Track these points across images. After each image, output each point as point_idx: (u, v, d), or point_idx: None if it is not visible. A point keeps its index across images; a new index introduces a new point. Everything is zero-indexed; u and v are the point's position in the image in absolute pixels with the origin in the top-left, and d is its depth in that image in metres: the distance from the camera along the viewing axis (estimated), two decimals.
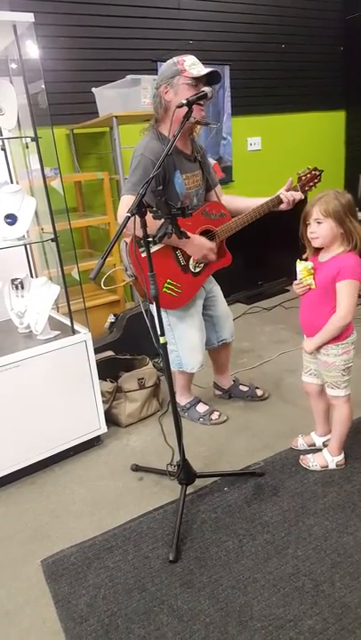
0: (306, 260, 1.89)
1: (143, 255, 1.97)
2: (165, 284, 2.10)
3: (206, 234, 2.17)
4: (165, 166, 1.99)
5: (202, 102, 1.86)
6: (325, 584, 1.54)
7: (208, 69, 1.96)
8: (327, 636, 1.38)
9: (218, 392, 2.75)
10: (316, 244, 1.80)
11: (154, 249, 2.04)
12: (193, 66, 1.96)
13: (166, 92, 1.99)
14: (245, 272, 4.06)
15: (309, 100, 4.79)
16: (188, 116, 1.71)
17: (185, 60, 1.97)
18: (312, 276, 1.83)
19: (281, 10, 4.34)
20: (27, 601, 1.61)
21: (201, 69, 1.96)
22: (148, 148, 1.99)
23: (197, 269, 2.17)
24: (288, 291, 4.36)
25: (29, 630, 1.51)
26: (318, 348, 1.89)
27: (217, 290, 2.44)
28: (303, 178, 2.14)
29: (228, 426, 2.45)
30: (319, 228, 1.75)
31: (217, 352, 2.56)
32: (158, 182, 1.88)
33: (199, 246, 2.08)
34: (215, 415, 2.44)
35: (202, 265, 2.17)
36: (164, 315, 2.22)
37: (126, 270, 2.16)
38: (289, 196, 2.11)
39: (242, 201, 2.30)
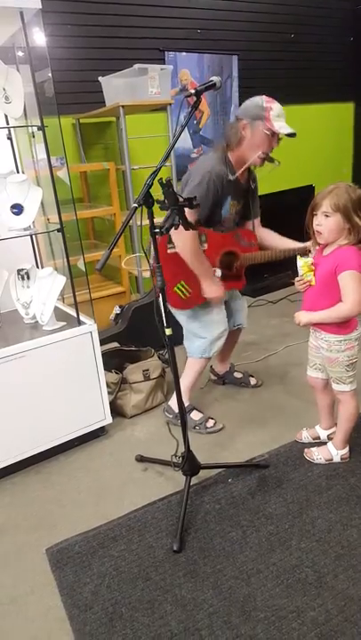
0: (307, 253, 1.87)
1: (169, 251, 2.10)
2: (178, 285, 2.16)
3: (230, 254, 2.22)
4: (223, 191, 2.08)
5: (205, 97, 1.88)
6: (329, 576, 1.54)
7: (289, 130, 2.00)
8: (330, 627, 1.39)
9: (213, 377, 2.80)
10: (320, 239, 1.77)
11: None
12: (278, 118, 2.01)
13: (244, 129, 2.05)
14: (251, 265, 4.05)
15: (318, 91, 4.74)
16: (196, 105, 1.70)
17: (272, 108, 2.00)
18: (312, 273, 1.81)
19: None
20: (32, 589, 1.62)
21: (283, 126, 2.00)
22: (215, 171, 2.04)
23: None
24: (294, 284, 4.34)
25: (35, 618, 1.52)
26: (313, 328, 1.90)
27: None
28: None
29: (232, 418, 2.45)
30: (326, 222, 1.72)
31: (228, 336, 2.54)
32: (211, 208, 2.07)
33: (211, 288, 2.13)
34: (210, 423, 2.39)
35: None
36: (189, 310, 2.27)
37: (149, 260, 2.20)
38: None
39: (273, 238, 2.36)
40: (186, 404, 2.44)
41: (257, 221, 2.39)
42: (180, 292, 2.17)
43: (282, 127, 2.01)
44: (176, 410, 2.42)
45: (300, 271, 1.83)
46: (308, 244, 2.05)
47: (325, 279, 1.77)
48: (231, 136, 2.09)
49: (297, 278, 1.87)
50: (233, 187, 2.14)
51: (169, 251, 2.12)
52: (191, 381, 2.38)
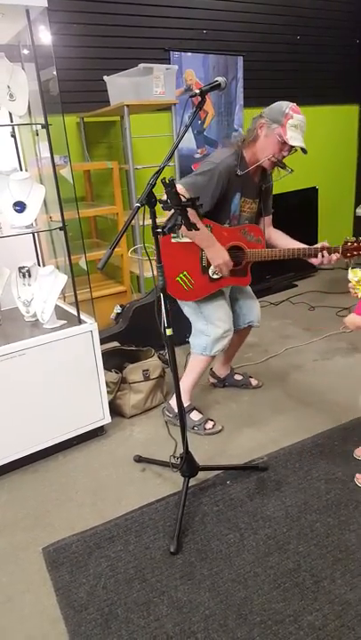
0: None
1: (173, 240, 2.15)
2: (181, 274, 2.18)
3: (236, 250, 2.21)
4: (231, 185, 2.09)
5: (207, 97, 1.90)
6: (326, 580, 1.53)
7: (298, 143, 2.01)
8: (327, 632, 1.38)
9: (213, 380, 2.78)
10: None
11: (184, 240, 2.14)
12: (293, 128, 2.01)
13: (261, 128, 2.08)
14: (253, 266, 4.04)
15: (323, 93, 4.73)
16: (200, 105, 1.70)
17: (293, 116, 2.01)
18: None
19: (297, 0, 4.28)
20: (28, 588, 1.62)
21: (295, 137, 2.01)
22: (224, 163, 2.07)
23: (215, 276, 2.21)
24: (296, 286, 4.34)
25: (30, 617, 1.52)
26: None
27: None
28: (349, 244, 2.09)
29: (232, 420, 2.44)
30: None
31: (237, 336, 2.54)
32: (214, 200, 2.07)
33: (217, 254, 2.12)
34: (209, 425, 2.37)
35: (220, 275, 2.20)
36: (194, 304, 2.27)
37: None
38: (326, 259, 2.10)
39: (282, 238, 2.35)
40: (186, 403, 2.43)
41: (267, 219, 2.38)
42: (182, 283, 2.19)
43: (293, 138, 2.01)
44: (176, 409, 2.41)
45: (351, 282, 1.82)
46: (318, 245, 2.09)
47: None
48: (250, 132, 2.12)
49: (350, 285, 1.86)
50: (243, 183, 2.14)
51: (173, 240, 2.14)
52: (192, 381, 2.37)
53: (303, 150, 2.04)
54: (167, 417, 2.46)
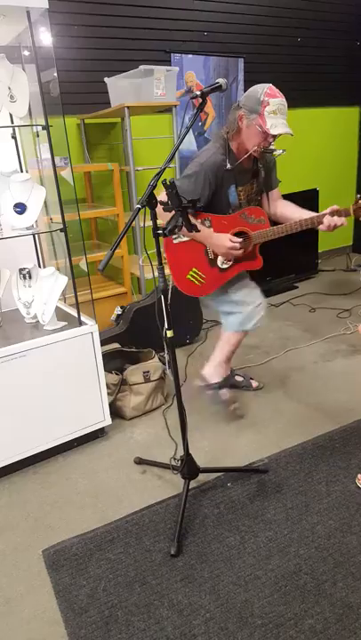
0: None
1: (175, 242, 2.18)
2: (191, 272, 2.21)
3: (240, 235, 2.20)
4: (222, 180, 2.09)
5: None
6: (327, 583, 1.53)
7: (280, 131, 1.95)
8: (328, 636, 1.37)
9: None
10: None
11: (185, 239, 2.17)
12: (272, 115, 1.95)
13: (241, 119, 2.04)
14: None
15: (324, 95, 4.74)
16: (201, 107, 1.70)
17: (269, 103, 1.94)
18: None
19: (297, 3, 4.29)
20: (27, 590, 1.61)
21: (276, 124, 1.95)
22: (209, 162, 2.05)
23: (225, 266, 2.21)
24: (296, 287, 4.34)
25: (29, 619, 1.51)
26: None
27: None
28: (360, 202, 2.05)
29: (232, 422, 2.44)
30: None
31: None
32: (205, 199, 2.08)
33: (218, 244, 2.12)
34: (233, 406, 2.44)
35: (230, 262, 2.20)
36: (214, 294, 2.28)
37: None
38: (331, 221, 2.03)
39: (290, 209, 2.29)
40: (223, 375, 2.51)
41: (274, 193, 2.32)
42: (193, 280, 2.21)
43: (273, 126, 1.94)
44: (210, 379, 2.48)
45: None
46: (328, 210, 2.02)
47: None
48: (232, 124, 2.07)
49: None
50: (236, 174, 2.12)
51: (175, 241, 2.16)
52: (226, 354, 2.41)
53: (289, 134, 1.97)
54: (202, 386, 2.50)
